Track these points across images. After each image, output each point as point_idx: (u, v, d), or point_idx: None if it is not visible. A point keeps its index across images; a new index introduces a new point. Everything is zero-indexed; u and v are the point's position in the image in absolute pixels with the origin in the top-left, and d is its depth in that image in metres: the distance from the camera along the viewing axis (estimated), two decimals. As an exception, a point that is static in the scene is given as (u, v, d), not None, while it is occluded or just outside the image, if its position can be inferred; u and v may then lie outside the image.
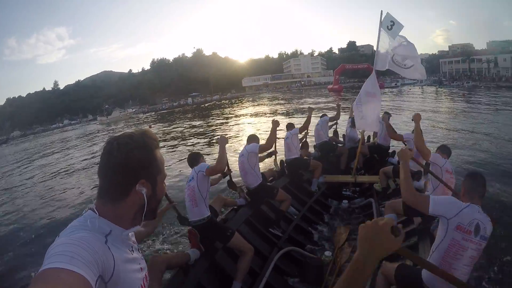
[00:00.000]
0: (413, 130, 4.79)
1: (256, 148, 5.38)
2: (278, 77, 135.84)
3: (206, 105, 79.26)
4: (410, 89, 62.05)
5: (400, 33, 6.46)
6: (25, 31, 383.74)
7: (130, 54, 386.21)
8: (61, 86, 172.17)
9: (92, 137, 39.23)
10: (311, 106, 8.16)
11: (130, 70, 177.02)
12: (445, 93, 48.76)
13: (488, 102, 30.61)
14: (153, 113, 79.15)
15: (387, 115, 7.49)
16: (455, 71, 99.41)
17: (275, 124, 5.60)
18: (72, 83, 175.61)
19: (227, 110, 49.47)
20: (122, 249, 1.10)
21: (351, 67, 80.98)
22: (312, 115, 7.29)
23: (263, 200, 5.65)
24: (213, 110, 53.32)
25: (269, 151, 6.53)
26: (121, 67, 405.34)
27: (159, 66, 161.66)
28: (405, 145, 6.34)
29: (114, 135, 1.18)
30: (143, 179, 1.12)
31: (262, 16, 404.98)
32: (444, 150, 4.28)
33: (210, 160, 11.76)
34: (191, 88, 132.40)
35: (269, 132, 5.66)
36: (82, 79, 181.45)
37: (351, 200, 6.76)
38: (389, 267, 2.96)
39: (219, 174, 5.17)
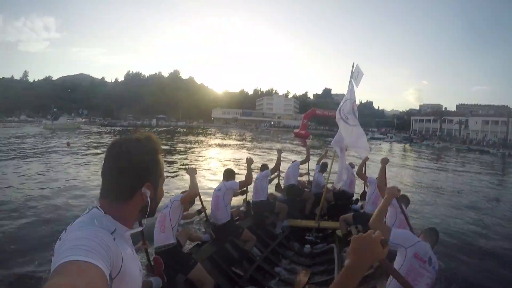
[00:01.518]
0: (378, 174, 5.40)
1: (237, 185, 5.62)
2: (249, 113, 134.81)
3: (168, 129, 74.52)
4: (380, 144, 59.00)
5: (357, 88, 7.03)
6: (14, 12, 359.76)
7: (112, 61, 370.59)
8: (38, 78, 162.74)
9: (34, 141, 34.01)
10: (279, 148, 9.09)
11: (103, 77, 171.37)
12: (414, 151, 47.74)
13: (467, 169, 28.14)
14: (109, 128, 71.12)
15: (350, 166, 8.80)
16: (425, 129, 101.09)
17: (250, 161, 6.03)
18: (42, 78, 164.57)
19: (191, 139, 46.04)
20: (125, 248, 1.13)
21: (322, 113, 76.75)
22: (282, 157, 8.04)
23: (228, 238, 5.69)
24: (178, 138, 49.42)
25: (243, 189, 6.70)
26: (100, 73, 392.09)
27: (132, 80, 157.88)
28: (366, 186, 7.53)
29: (118, 137, 1.24)
30: (148, 182, 1.17)
31: (244, 48, 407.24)
32: (402, 199, 4.26)
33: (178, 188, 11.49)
34: (159, 110, 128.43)
35: (244, 169, 6.08)
36: (54, 78, 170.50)
37: (314, 245, 6.86)
38: None
39: (192, 211, 5.76)
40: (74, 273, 0.79)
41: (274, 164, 7.93)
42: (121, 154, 1.13)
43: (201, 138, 50.38)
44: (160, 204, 3.40)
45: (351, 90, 6.95)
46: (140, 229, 1.24)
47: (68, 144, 28.03)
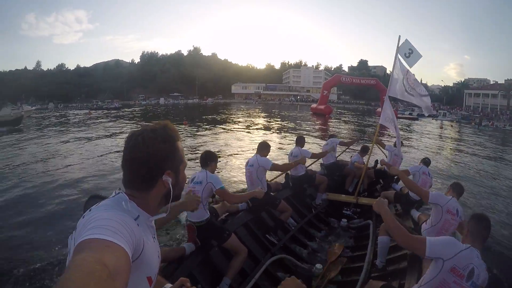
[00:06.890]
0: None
1: (269, 165, 5.33)
2: (273, 88, 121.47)
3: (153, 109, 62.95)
4: (441, 126, 42.71)
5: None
6: (45, 9, 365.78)
7: (146, 46, 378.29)
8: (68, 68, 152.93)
9: None
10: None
11: (117, 59, 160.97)
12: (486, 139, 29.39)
13: None
14: (84, 111, 58.22)
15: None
16: (481, 106, 79.66)
17: (302, 161, 6.17)
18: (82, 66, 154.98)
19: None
20: (147, 235, 1.17)
21: (351, 81, 52.88)
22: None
23: (264, 208, 5.66)
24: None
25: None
26: (134, 57, 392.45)
27: (148, 59, 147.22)
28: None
29: (136, 129, 1.23)
30: (168, 170, 1.20)
31: (271, 25, 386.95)
32: (455, 188, 4.14)
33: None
34: (175, 88, 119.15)
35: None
36: (88, 65, 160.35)
37: (351, 220, 6.71)
38: (374, 285, 3.09)
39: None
40: (100, 249, 0.81)
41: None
42: (137, 146, 1.14)
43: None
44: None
45: (400, 67, 6.52)
46: (163, 215, 1.26)
47: None
